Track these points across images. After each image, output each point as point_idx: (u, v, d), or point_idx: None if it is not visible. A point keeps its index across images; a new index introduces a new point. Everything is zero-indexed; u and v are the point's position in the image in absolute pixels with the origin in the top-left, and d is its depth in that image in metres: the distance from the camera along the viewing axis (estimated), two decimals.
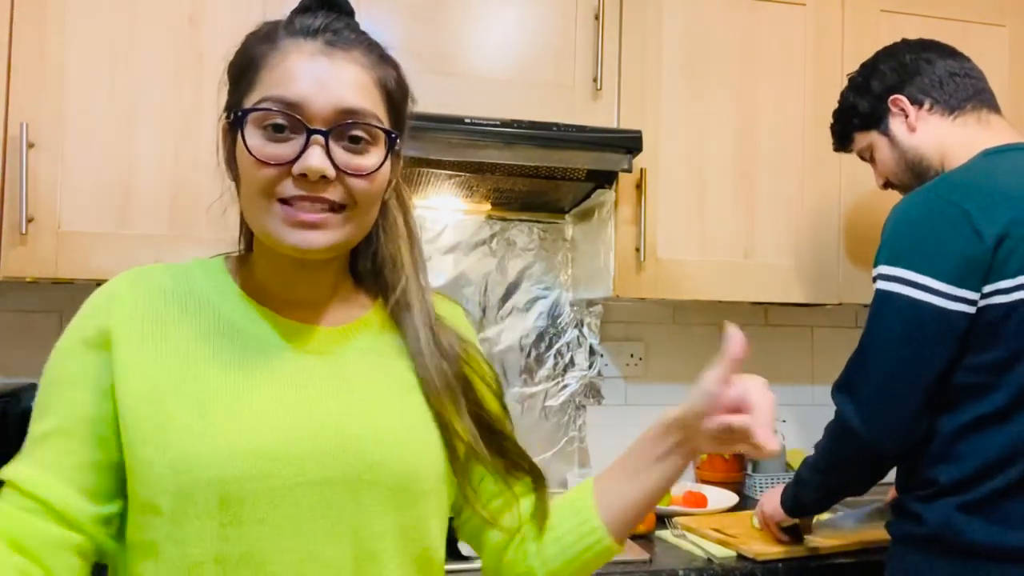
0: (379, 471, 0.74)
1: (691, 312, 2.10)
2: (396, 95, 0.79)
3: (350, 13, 0.80)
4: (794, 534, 1.45)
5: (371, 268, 0.84)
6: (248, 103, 0.73)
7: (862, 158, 1.49)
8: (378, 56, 0.78)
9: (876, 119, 1.39)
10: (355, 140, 0.74)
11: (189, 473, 0.69)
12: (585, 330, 2.01)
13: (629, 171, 1.62)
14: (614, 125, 1.67)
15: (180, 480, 0.69)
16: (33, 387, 1.64)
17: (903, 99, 1.35)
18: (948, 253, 1.13)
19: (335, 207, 0.73)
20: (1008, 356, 1.11)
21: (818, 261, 1.78)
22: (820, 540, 1.46)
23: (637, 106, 1.69)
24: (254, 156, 0.71)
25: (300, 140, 0.71)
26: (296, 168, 0.71)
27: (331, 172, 0.71)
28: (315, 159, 0.70)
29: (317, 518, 0.72)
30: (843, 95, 1.47)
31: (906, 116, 1.34)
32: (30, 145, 1.39)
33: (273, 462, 0.70)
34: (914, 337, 1.14)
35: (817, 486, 1.33)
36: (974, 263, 1.12)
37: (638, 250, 1.66)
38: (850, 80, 1.46)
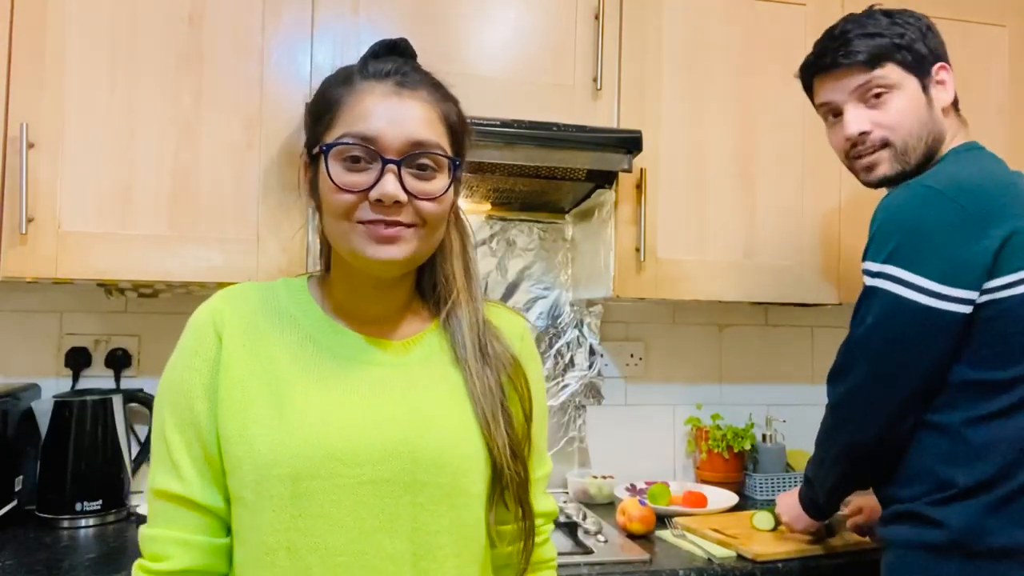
0: (434, 472, 0.82)
1: (691, 312, 2.10)
2: (457, 127, 0.89)
3: (414, 56, 0.91)
4: (827, 531, 1.46)
5: (431, 285, 0.94)
6: (329, 139, 0.84)
7: (874, 91, 1.26)
8: (441, 94, 0.89)
9: (925, 68, 1.26)
10: (423, 168, 0.84)
11: (267, 468, 0.79)
12: (585, 330, 2.01)
13: (629, 171, 1.62)
14: (614, 125, 1.67)
15: (260, 474, 0.79)
16: (33, 387, 1.65)
17: (950, 72, 1.27)
18: (947, 253, 1.12)
19: (407, 226, 0.83)
20: (1010, 352, 1.10)
21: (818, 261, 1.78)
22: (845, 538, 1.47)
23: (637, 106, 1.69)
24: (336, 184, 0.81)
25: (376, 169, 0.82)
26: (373, 194, 0.81)
27: (403, 197, 0.81)
28: (390, 186, 0.81)
29: (376, 514, 0.80)
30: (899, 23, 1.27)
31: (945, 89, 1.26)
32: (30, 145, 1.39)
33: (337, 463, 0.80)
34: (900, 334, 1.14)
35: (823, 481, 1.33)
36: (970, 261, 1.11)
37: (638, 250, 1.66)
38: (910, 20, 1.28)
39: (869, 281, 1.18)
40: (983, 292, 1.11)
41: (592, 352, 2.01)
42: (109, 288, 1.71)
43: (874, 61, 1.26)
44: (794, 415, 2.05)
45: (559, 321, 1.99)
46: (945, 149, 1.27)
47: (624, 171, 1.62)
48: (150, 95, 1.46)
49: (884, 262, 1.16)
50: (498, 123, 1.50)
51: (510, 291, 1.96)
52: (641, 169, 1.66)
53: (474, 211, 1.94)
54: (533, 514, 0.91)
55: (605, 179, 1.69)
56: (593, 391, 2.01)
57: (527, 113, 1.57)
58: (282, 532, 0.79)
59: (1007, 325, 1.11)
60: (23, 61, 1.40)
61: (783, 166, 1.77)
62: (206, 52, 1.49)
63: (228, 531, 0.85)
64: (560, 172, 1.63)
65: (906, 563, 1.15)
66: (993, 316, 1.11)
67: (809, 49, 1.36)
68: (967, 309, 1.11)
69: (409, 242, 0.83)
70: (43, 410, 1.59)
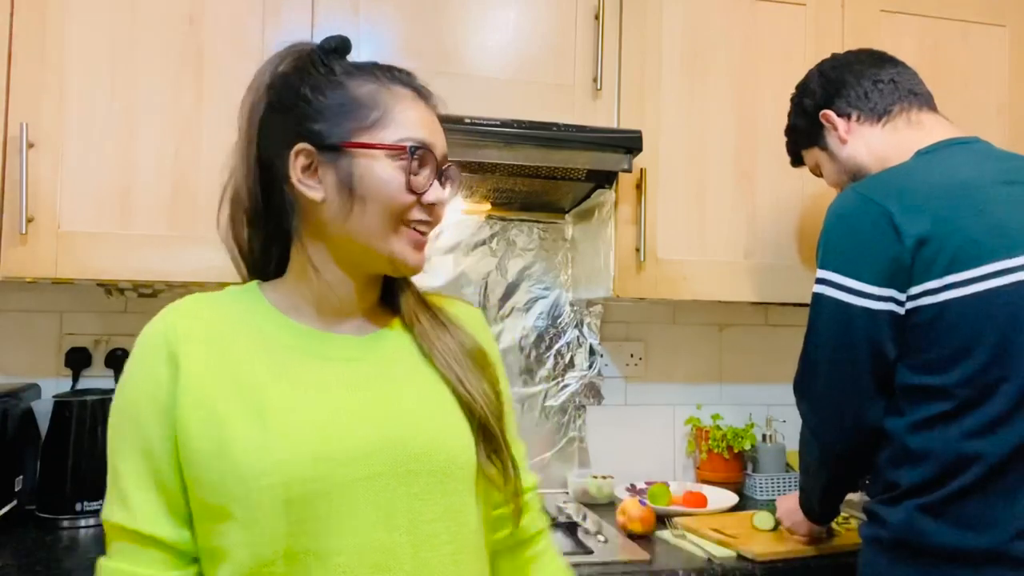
0: (424, 460, 0.82)
1: (691, 312, 2.10)
2: None
3: None
4: (827, 533, 1.47)
5: (389, 285, 0.94)
6: (386, 138, 0.84)
7: (815, 174, 1.51)
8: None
9: (814, 136, 1.43)
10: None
11: (255, 480, 0.76)
12: (585, 330, 2.01)
13: (629, 171, 1.62)
14: (614, 125, 1.67)
15: (247, 487, 0.76)
16: (33, 387, 1.65)
17: (831, 113, 1.37)
18: (869, 253, 1.13)
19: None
20: (947, 356, 1.09)
21: None
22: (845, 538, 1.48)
23: (637, 106, 1.69)
24: (410, 185, 0.84)
25: (431, 174, 0.86)
26: (429, 197, 0.85)
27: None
28: (444, 192, 0.87)
29: (374, 509, 0.79)
30: (788, 115, 1.51)
31: (836, 129, 1.37)
32: (30, 145, 1.39)
33: (329, 463, 0.78)
34: (845, 339, 1.15)
35: (812, 490, 1.35)
36: (897, 263, 1.11)
37: (638, 250, 1.66)
38: (791, 99, 1.49)
39: (814, 288, 1.21)
40: (910, 297, 1.11)
41: (592, 352, 2.01)
42: (109, 288, 1.71)
43: (796, 160, 1.55)
44: (794, 415, 2.03)
45: (559, 321, 1.99)
46: (890, 158, 1.28)
47: (624, 171, 1.62)
48: (150, 95, 1.46)
49: (822, 267, 1.19)
50: (498, 123, 1.50)
51: (510, 291, 1.96)
52: (641, 169, 1.66)
53: (474, 211, 1.94)
54: (516, 464, 0.91)
55: (605, 179, 1.69)
56: (593, 391, 2.01)
57: (527, 113, 1.57)
58: (280, 541, 0.76)
59: (940, 331, 1.10)
60: (23, 61, 1.40)
61: (783, 166, 1.76)
62: (206, 52, 1.49)
63: (188, 561, 0.80)
64: (560, 172, 1.63)
65: (866, 558, 1.18)
66: (924, 322, 1.10)
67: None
68: (899, 309, 1.12)
69: (427, 248, 0.89)
70: (43, 410, 1.59)
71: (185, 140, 1.47)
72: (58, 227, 1.41)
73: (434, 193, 0.86)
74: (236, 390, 0.80)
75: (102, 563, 0.80)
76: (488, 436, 0.87)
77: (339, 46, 0.89)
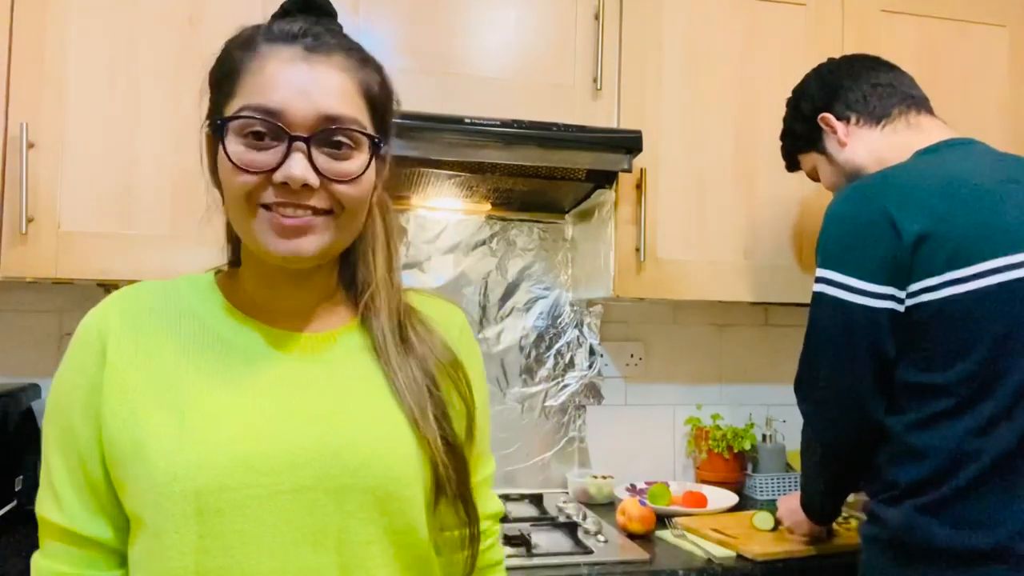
0: (361, 475, 0.73)
1: (691, 312, 2.10)
2: (379, 98, 0.79)
3: (331, 15, 0.80)
4: (827, 533, 1.47)
5: (352, 276, 0.84)
6: (229, 111, 0.73)
7: (812, 178, 1.52)
8: (359, 59, 0.77)
9: (812, 140, 1.44)
10: (337, 146, 0.73)
11: (166, 485, 0.68)
12: (585, 330, 2.01)
13: (629, 171, 1.62)
14: (614, 125, 1.67)
15: (158, 492, 0.69)
16: (33, 387, 1.65)
17: (830, 117, 1.38)
18: (868, 252, 1.13)
19: (319, 212, 0.73)
20: (947, 353, 1.09)
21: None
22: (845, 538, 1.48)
23: (637, 106, 1.69)
24: (234, 163, 0.71)
25: (281, 148, 0.71)
26: (277, 176, 0.71)
27: (314, 180, 0.72)
28: (297, 167, 0.70)
29: (299, 527, 0.71)
30: (784, 119, 1.51)
31: (835, 133, 1.38)
32: (30, 145, 1.39)
33: (249, 471, 0.70)
34: (846, 338, 1.15)
35: (814, 490, 1.35)
36: (896, 261, 1.11)
37: (638, 250, 1.66)
38: (787, 104, 1.50)
39: (814, 287, 1.21)
40: (909, 294, 1.11)
41: (592, 352, 2.01)
42: (109, 288, 1.71)
43: (792, 165, 1.55)
44: (794, 415, 2.03)
45: (559, 321, 1.99)
46: (889, 159, 1.28)
47: (624, 171, 1.62)
48: (150, 95, 1.46)
49: (821, 266, 1.19)
50: (498, 123, 1.50)
51: (510, 291, 1.96)
52: (641, 169, 1.66)
53: (474, 211, 1.94)
54: (478, 517, 0.82)
55: (605, 179, 1.69)
56: (593, 391, 2.01)
57: (527, 113, 1.57)
58: (188, 555, 0.68)
59: (939, 328, 1.10)
60: (23, 61, 1.40)
61: (783, 166, 1.77)
62: (206, 52, 1.47)
63: (121, 561, 0.75)
64: (560, 172, 1.63)
65: (866, 559, 1.18)
66: (924, 319, 1.10)
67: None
68: (899, 306, 1.12)
69: (320, 233, 0.73)
70: (43, 410, 1.58)
71: (185, 140, 1.47)
72: (58, 227, 1.41)
73: (283, 171, 0.70)
74: (160, 386, 0.73)
75: (38, 561, 0.76)
76: (435, 474, 0.77)
77: (287, 7, 0.79)
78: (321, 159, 0.73)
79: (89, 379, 0.74)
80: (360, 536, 0.73)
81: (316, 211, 0.73)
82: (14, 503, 1.53)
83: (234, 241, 0.85)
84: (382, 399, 0.78)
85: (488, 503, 0.91)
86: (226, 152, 0.72)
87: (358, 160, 0.75)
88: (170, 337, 0.76)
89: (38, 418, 1.61)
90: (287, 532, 0.70)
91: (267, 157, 0.71)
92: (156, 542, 0.70)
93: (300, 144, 0.71)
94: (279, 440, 0.72)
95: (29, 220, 1.38)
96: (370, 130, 0.76)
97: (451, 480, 0.77)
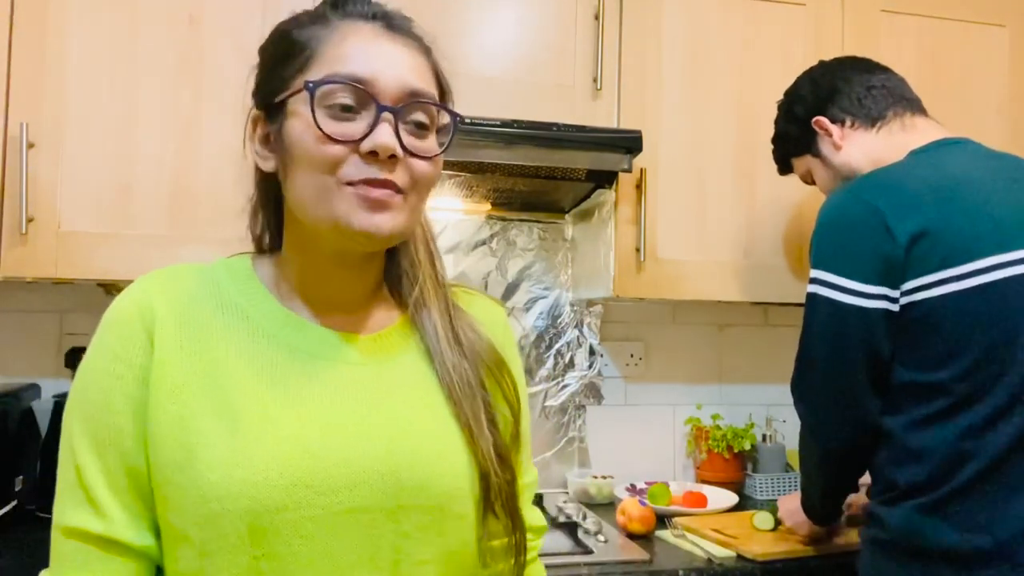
0: (419, 495, 0.70)
1: (691, 312, 2.10)
2: (446, 85, 0.78)
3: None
4: (827, 533, 1.47)
5: (397, 272, 0.81)
6: (298, 85, 0.70)
7: (805, 181, 1.52)
8: (428, 45, 0.77)
9: (806, 143, 1.43)
10: (418, 124, 0.72)
11: (219, 502, 0.64)
12: (585, 330, 2.01)
13: (629, 171, 1.62)
14: (614, 125, 1.67)
15: (209, 509, 0.64)
16: (33, 387, 1.65)
17: (824, 120, 1.38)
18: (861, 252, 1.13)
19: (397, 190, 0.70)
20: (943, 352, 1.09)
21: None
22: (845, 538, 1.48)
23: (637, 106, 1.69)
24: (323, 132, 0.67)
25: (369, 118, 0.69)
26: (366, 144, 0.68)
27: (400, 151, 0.69)
28: (386, 135, 0.68)
29: (355, 547, 0.67)
30: (776, 123, 1.51)
31: (830, 136, 1.37)
32: (30, 145, 1.39)
33: (307, 491, 0.66)
34: (840, 338, 1.15)
35: (813, 490, 1.35)
36: (889, 261, 1.11)
37: (638, 250, 1.66)
38: (779, 107, 1.50)
39: (808, 288, 1.21)
40: (904, 293, 1.11)
41: (592, 352, 2.01)
42: (109, 288, 1.71)
43: (785, 168, 1.55)
44: (794, 415, 2.03)
45: (559, 321, 1.99)
46: (884, 160, 1.28)
47: (624, 171, 1.62)
48: (150, 95, 1.46)
49: (814, 267, 1.19)
50: (498, 123, 1.50)
51: (510, 291, 1.96)
52: (641, 169, 1.66)
53: (474, 211, 1.94)
54: (524, 526, 0.78)
55: (605, 179, 1.69)
56: (593, 391, 2.01)
57: (527, 113, 1.57)
58: None
59: (935, 326, 1.10)
60: (23, 61, 1.40)
61: None
62: (206, 52, 1.49)
63: (158, 573, 0.70)
64: (560, 172, 1.63)
65: (866, 559, 1.18)
66: (919, 317, 1.10)
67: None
68: (893, 306, 1.12)
69: (399, 212, 0.70)
70: (43, 410, 1.59)
71: (185, 140, 1.47)
72: (58, 227, 1.41)
73: (372, 140, 0.67)
74: (210, 386, 0.68)
75: None
76: (487, 484, 0.74)
77: None
78: (404, 134, 0.70)
79: (135, 369, 0.68)
80: (415, 556, 0.70)
81: (395, 190, 0.70)
82: (14, 503, 1.53)
83: (272, 229, 0.81)
84: (438, 407, 0.75)
85: (531, 515, 0.87)
86: (315, 119, 0.68)
87: (433, 140, 0.73)
88: (216, 331, 0.71)
89: (38, 418, 1.61)
90: (342, 554, 0.67)
91: (355, 127, 0.69)
92: (207, 563, 0.65)
93: (388, 115, 0.69)
94: (336, 456, 0.68)
95: (29, 220, 1.38)
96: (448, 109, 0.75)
97: (501, 490, 0.74)
